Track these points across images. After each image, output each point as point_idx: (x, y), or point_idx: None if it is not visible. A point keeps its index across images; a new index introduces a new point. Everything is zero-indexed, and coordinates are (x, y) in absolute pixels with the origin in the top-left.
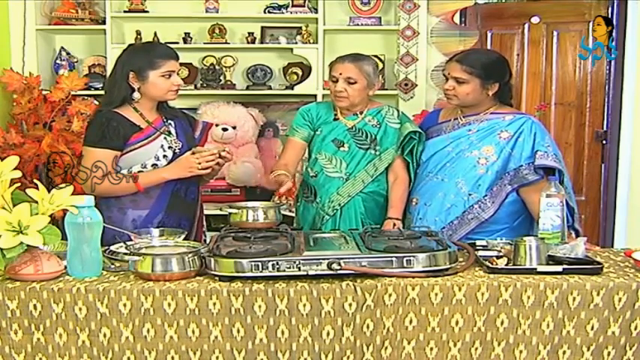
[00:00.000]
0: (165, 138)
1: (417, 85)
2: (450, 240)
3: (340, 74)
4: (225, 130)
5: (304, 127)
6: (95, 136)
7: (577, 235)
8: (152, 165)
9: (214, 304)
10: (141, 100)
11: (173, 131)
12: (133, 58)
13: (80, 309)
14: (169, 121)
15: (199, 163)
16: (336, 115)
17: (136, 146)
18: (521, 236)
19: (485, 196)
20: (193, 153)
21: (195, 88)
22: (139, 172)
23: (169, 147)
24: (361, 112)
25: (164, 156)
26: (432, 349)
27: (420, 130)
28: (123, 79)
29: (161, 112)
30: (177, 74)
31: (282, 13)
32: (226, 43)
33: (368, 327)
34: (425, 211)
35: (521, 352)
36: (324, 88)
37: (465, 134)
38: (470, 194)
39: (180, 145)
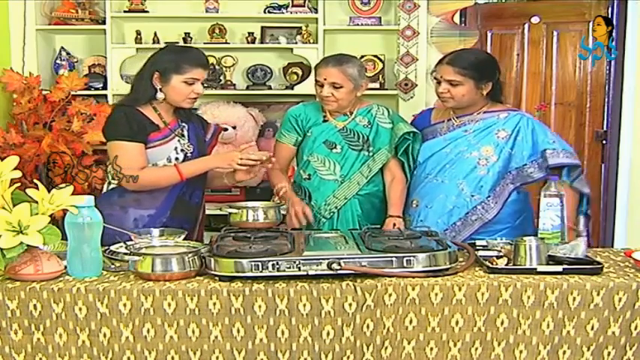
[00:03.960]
0: (178, 140)
1: (417, 85)
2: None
3: (325, 79)
4: (225, 130)
5: (292, 132)
6: (127, 130)
7: (588, 221)
8: (163, 166)
9: (214, 304)
10: (160, 101)
11: (186, 134)
12: (162, 59)
13: (80, 309)
14: (183, 124)
15: (240, 159)
16: (325, 116)
17: (152, 145)
18: (521, 236)
19: (489, 197)
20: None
21: None
22: None
23: (181, 150)
24: (351, 113)
25: (176, 158)
26: (432, 349)
27: (414, 129)
28: (148, 78)
29: (177, 114)
30: (202, 83)
31: (282, 13)
32: (226, 43)
33: (368, 327)
34: (426, 213)
35: (521, 352)
36: None
37: (461, 135)
38: (472, 195)
39: (192, 150)
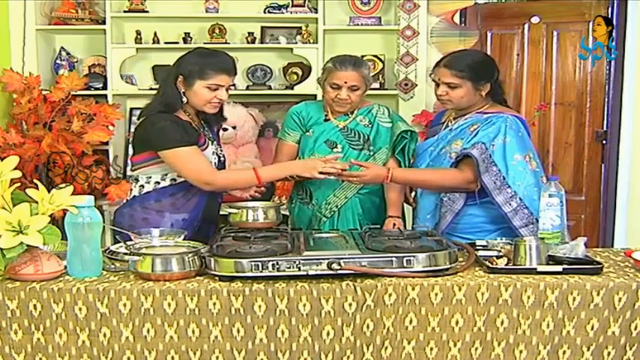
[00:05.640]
0: (212, 143)
1: (417, 85)
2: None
3: (345, 83)
4: (225, 130)
5: (295, 130)
6: (182, 135)
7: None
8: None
9: (214, 304)
10: (187, 104)
11: (212, 137)
12: (187, 62)
13: (80, 309)
14: (207, 124)
15: (324, 167)
16: (326, 115)
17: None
18: (521, 236)
19: None
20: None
21: None
22: (172, 180)
23: (217, 154)
24: (352, 112)
25: (215, 163)
26: (432, 349)
27: (412, 128)
28: (173, 81)
29: (200, 116)
30: (227, 90)
31: (282, 13)
32: (226, 43)
33: (368, 327)
34: (418, 209)
35: (521, 352)
36: None
37: (446, 132)
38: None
39: (222, 153)
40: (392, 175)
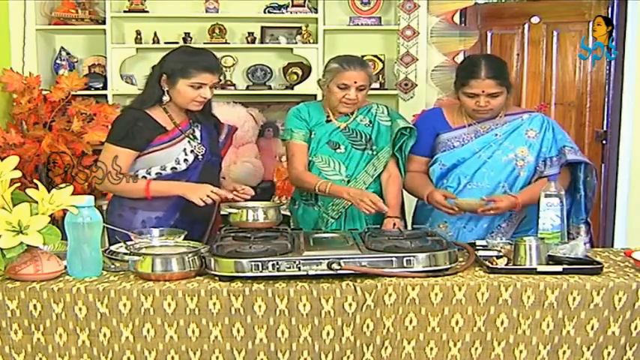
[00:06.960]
0: (189, 141)
1: (417, 85)
2: None
3: (355, 82)
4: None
5: (302, 128)
6: (118, 134)
7: (589, 229)
8: (171, 168)
9: (214, 304)
10: (170, 102)
11: (198, 135)
12: (171, 60)
13: (80, 309)
14: (196, 124)
15: (212, 192)
16: (328, 116)
17: (159, 148)
18: (520, 236)
19: None
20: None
21: None
22: (157, 174)
23: (192, 151)
24: (352, 113)
25: (185, 160)
26: (432, 349)
27: (410, 125)
28: (156, 79)
29: (189, 115)
30: (211, 88)
31: (282, 13)
32: (226, 43)
33: (368, 327)
34: (470, 217)
35: (521, 352)
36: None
37: (492, 139)
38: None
39: (204, 151)
40: (521, 201)
